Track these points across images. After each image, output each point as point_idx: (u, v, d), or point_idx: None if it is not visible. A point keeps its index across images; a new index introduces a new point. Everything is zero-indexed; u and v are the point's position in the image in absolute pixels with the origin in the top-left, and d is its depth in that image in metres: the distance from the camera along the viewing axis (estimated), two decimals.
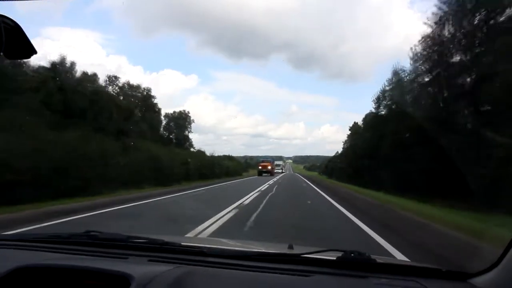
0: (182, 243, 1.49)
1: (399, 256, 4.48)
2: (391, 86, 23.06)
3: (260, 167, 47.69)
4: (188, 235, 5.42)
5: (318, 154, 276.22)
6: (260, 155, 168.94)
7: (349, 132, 51.86)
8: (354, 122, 51.32)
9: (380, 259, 1.34)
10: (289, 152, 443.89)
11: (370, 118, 28.02)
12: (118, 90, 28.31)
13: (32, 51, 0.76)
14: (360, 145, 28.78)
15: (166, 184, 19.35)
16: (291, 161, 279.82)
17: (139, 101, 29.58)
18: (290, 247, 1.54)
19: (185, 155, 26.17)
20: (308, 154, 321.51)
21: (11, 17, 0.70)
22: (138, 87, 30.24)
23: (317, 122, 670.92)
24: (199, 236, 5.48)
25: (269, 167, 47.04)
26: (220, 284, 1.15)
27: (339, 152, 62.59)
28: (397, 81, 20.94)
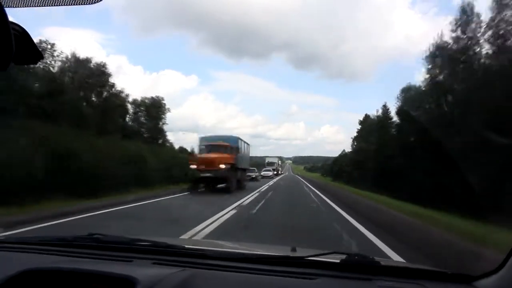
0: (186, 246, 1.48)
1: None
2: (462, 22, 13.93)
3: (194, 166, 15.77)
4: None
5: (318, 155, 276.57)
6: (259, 155, 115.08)
7: (360, 126, 44.55)
8: (366, 115, 44.03)
9: (384, 261, 1.33)
10: (288, 152, 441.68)
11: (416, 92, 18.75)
12: (58, 63, 20.68)
13: (38, 56, 0.76)
14: (392, 138, 20.87)
15: (94, 194, 11.85)
16: (290, 161, 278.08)
17: (87, 79, 21.90)
18: (293, 249, 1.49)
19: (140, 150, 18.19)
20: (308, 155, 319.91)
21: (19, 23, 0.71)
22: (87, 60, 22.58)
23: (317, 123, 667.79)
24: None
25: (222, 166, 15.37)
26: (224, 287, 1.16)
27: (346, 151, 55.03)
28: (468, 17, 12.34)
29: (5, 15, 0.61)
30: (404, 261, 3.91)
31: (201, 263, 1.28)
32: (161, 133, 30.20)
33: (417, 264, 1.54)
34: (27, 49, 0.72)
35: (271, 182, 28.57)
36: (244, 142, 20.95)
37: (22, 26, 0.70)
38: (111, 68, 23.36)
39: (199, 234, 6.04)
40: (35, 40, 0.71)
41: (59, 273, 1.16)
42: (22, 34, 0.70)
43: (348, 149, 51.08)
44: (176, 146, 33.30)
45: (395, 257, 4.79)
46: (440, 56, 15.21)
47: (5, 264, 1.25)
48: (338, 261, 1.24)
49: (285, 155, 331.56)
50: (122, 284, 1.03)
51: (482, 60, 12.21)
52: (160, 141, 29.65)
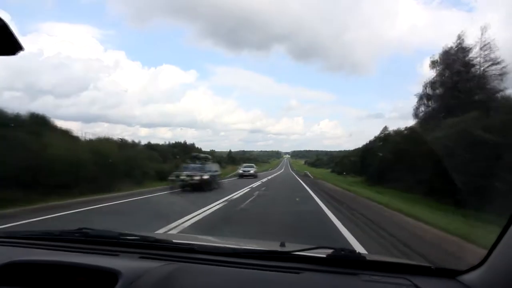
0: (174, 240, 1.49)
1: None
2: None
3: None
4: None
5: (317, 149, 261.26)
6: (257, 150, 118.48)
7: (434, 72, 24.92)
8: (453, 44, 24.53)
9: (370, 256, 1.32)
10: (287, 147, 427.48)
11: None
12: None
13: (18, 47, 0.75)
14: None
15: None
16: (289, 156, 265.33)
17: None
18: (282, 244, 1.47)
19: None
20: (307, 149, 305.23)
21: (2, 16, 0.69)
22: None
23: (316, 117, 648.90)
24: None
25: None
26: (210, 281, 1.14)
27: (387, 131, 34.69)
28: None
29: None
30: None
31: (188, 257, 1.27)
32: None
33: (403, 259, 1.50)
34: (6, 40, 0.69)
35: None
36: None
37: (12, 16, 0.60)
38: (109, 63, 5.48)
39: None
40: (33, 33, 0.48)
41: (44, 266, 1.15)
42: (0, 26, 0.67)
43: (348, 143, 31.16)
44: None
45: None
46: None
47: None
48: (325, 256, 1.24)
49: (283, 150, 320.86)
50: (106, 276, 1.02)
51: None
52: None
